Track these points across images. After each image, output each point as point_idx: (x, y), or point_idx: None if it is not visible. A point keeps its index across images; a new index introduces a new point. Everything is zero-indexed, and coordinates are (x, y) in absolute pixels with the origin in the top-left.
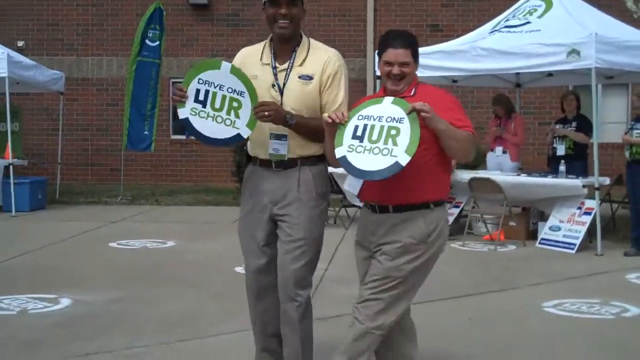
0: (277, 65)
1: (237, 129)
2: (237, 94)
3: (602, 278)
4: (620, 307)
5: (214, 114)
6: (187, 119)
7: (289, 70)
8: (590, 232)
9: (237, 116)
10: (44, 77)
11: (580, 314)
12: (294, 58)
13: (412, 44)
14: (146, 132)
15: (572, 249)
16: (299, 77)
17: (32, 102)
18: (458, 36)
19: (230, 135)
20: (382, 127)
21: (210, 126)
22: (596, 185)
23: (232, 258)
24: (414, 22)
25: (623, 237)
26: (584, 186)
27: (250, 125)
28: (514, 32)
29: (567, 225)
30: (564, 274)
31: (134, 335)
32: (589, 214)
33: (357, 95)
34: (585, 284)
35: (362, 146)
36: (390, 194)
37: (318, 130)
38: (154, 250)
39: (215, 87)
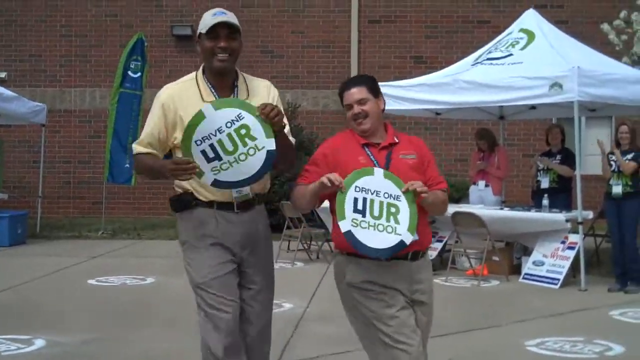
0: None
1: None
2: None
3: (585, 315)
4: (604, 346)
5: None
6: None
7: None
8: (574, 266)
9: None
10: (25, 109)
11: (563, 353)
12: (237, 92)
13: (365, 82)
14: (127, 165)
15: (556, 284)
16: None
17: (13, 134)
18: (442, 68)
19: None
20: (381, 202)
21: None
22: (579, 220)
23: None
24: (397, 54)
25: (607, 272)
26: (567, 220)
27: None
28: (497, 64)
29: (550, 260)
30: (547, 311)
31: None
32: (573, 248)
33: (341, 128)
34: (568, 321)
35: (365, 221)
36: (420, 240)
37: (291, 146)
38: (133, 287)
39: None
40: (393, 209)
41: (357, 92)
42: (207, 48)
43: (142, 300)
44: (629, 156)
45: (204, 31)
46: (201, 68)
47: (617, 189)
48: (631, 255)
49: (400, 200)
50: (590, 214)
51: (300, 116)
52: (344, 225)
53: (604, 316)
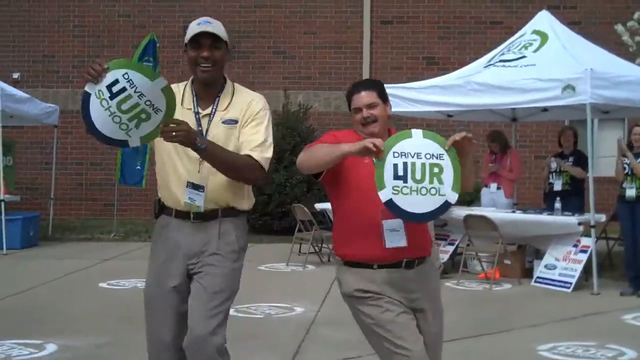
0: (200, 110)
1: (129, 136)
2: (153, 110)
3: (598, 319)
4: (617, 351)
5: (114, 112)
6: (88, 96)
7: (212, 116)
8: (587, 270)
9: (137, 127)
10: (37, 110)
11: (575, 358)
12: (217, 103)
13: (375, 86)
14: (138, 167)
15: (568, 287)
16: (224, 122)
17: (26, 135)
18: (454, 69)
19: (117, 138)
20: (423, 164)
21: (102, 117)
22: (592, 223)
23: None
24: (410, 55)
25: (620, 275)
26: (579, 223)
27: (146, 138)
28: (509, 66)
29: (563, 263)
30: (559, 315)
31: None
32: (585, 251)
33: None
34: (581, 325)
35: (407, 187)
36: (416, 246)
37: (234, 164)
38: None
39: (135, 92)
40: (436, 169)
41: (366, 96)
42: (191, 58)
43: None
44: None
45: (187, 41)
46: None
47: (630, 192)
48: None
49: (443, 159)
50: (603, 217)
51: (312, 117)
52: (384, 195)
53: (617, 320)
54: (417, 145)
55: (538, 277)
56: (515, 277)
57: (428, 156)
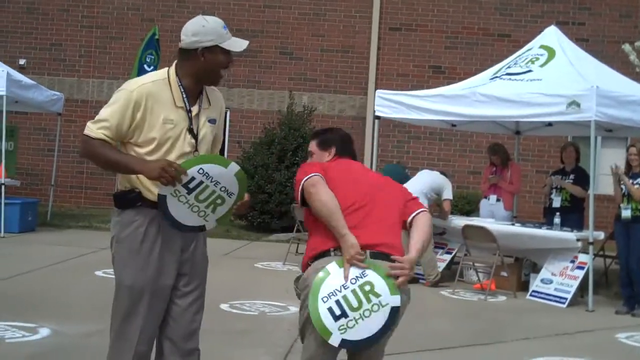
0: (190, 108)
1: (206, 221)
2: (227, 194)
3: (591, 336)
4: None
5: (193, 203)
6: (164, 197)
7: (199, 113)
8: (583, 286)
9: (213, 211)
10: (42, 97)
11: None
12: (202, 100)
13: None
14: None
15: (563, 303)
16: (208, 120)
17: (30, 121)
18: (460, 79)
19: (196, 224)
20: (353, 291)
21: (181, 211)
22: (590, 240)
23: (218, 292)
24: (416, 63)
25: (615, 293)
26: (578, 239)
27: (221, 220)
28: (515, 79)
29: (559, 278)
30: (553, 329)
31: None
32: (582, 268)
33: (356, 133)
34: (574, 341)
35: (351, 319)
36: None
37: None
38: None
39: (211, 182)
40: (368, 287)
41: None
42: (222, 62)
43: None
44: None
45: (226, 47)
46: (174, 68)
47: (626, 213)
48: (638, 278)
49: (366, 275)
50: (601, 235)
51: (315, 119)
52: (335, 340)
53: (610, 339)
54: (341, 275)
55: (534, 291)
56: (510, 290)
57: (353, 281)
